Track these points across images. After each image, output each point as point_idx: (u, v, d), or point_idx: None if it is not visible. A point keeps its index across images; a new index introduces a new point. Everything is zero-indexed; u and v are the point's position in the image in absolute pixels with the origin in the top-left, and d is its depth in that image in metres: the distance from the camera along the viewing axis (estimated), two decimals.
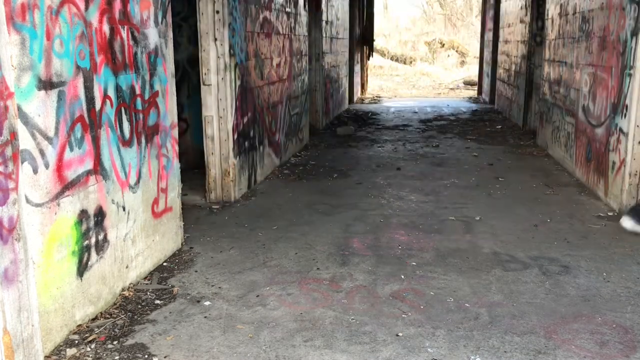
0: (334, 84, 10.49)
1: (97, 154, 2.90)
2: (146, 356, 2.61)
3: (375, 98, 14.48)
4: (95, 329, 2.83)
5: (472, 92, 15.67)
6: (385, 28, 24.41)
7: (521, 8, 9.49)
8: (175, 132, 3.80)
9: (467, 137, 8.50)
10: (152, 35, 3.45)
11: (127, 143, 3.20)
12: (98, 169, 2.91)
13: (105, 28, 2.95)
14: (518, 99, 9.54)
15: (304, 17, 7.55)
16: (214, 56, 4.70)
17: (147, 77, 3.40)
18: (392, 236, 4.19)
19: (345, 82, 11.78)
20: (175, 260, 3.73)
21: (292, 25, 6.93)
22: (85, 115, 2.79)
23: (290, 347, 2.69)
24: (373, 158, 7.02)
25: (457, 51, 21.78)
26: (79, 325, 2.82)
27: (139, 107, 3.32)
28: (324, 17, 9.02)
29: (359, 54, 13.79)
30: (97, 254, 2.94)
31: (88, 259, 2.86)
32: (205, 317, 2.98)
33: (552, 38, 7.27)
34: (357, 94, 13.88)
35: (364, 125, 9.78)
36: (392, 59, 21.30)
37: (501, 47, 11.63)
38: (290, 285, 3.36)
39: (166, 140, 3.68)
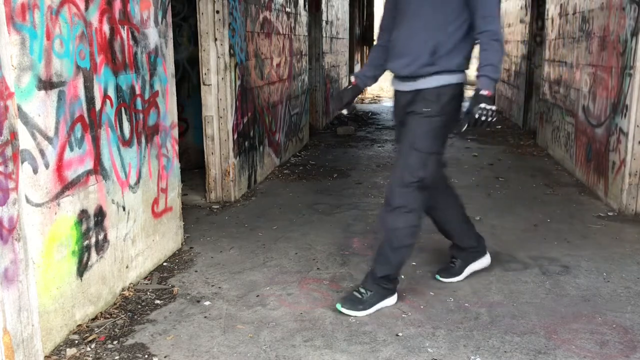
0: (334, 84, 10.49)
1: (97, 154, 2.90)
2: (146, 356, 2.61)
3: (375, 98, 14.48)
4: (95, 329, 2.83)
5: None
6: None
7: (521, 8, 9.49)
8: (175, 132, 3.81)
9: (467, 137, 8.50)
10: (152, 35, 3.45)
11: (127, 143, 3.20)
12: (98, 168, 2.91)
13: (105, 28, 2.95)
14: (518, 99, 9.54)
15: (304, 17, 7.55)
16: (214, 56, 4.70)
17: (147, 77, 3.40)
18: None
19: (345, 82, 11.77)
20: (175, 260, 3.73)
21: (292, 25, 6.93)
22: (85, 115, 2.79)
23: (290, 347, 2.69)
24: (373, 158, 7.02)
25: None
26: (79, 325, 2.82)
27: (139, 107, 3.32)
28: (324, 17, 9.02)
29: (359, 54, 13.79)
30: (97, 254, 2.94)
31: (88, 259, 2.86)
32: (205, 317, 2.98)
33: (552, 38, 7.27)
34: None
35: (364, 125, 9.77)
36: None
37: None
38: (290, 285, 3.36)
39: (166, 140, 3.68)
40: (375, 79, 3.26)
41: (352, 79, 3.28)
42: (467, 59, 2.97)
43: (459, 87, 2.96)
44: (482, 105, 2.76)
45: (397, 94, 3.08)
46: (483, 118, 2.76)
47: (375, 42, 3.29)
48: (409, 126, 2.95)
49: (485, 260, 3.48)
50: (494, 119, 2.79)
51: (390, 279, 3.07)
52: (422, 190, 2.93)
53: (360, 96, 14.23)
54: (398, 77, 3.02)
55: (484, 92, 2.79)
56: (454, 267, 3.41)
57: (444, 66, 2.88)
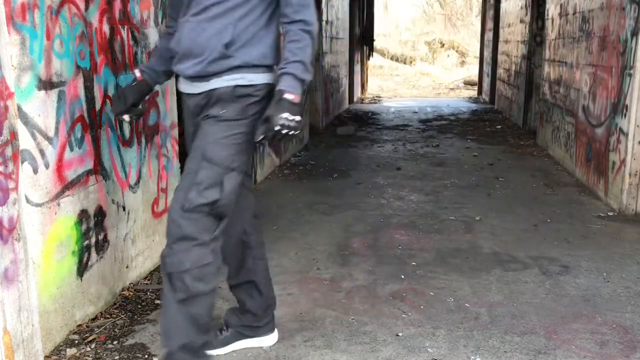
0: (334, 84, 10.48)
1: (97, 154, 2.90)
2: (146, 356, 2.61)
3: (375, 98, 14.48)
4: (95, 329, 2.83)
5: (472, 92, 15.67)
6: (385, 28, 24.42)
7: (521, 8, 9.49)
8: (175, 132, 3.81)
9: (467, 137, 8.50)
10: (152, 35, 3.45)
11: (127, 143, 3.20)
12: (98, 168, 2.91)
13: (106, 28, 2.95)
14: (518, 99, 9.55)
15: None
16: None
17: None
18: (392, 236, 4.19)
19: (345, 82, 11.77)
20: None
21: None
22: (85, 115, 2.79)
23: (290, 347, 2.69)
24: (373, 158, 7.02)
25: (457, 51, 21.78)
26: (79, 325, 2.82)
27: None
28: (324, 17, 9.02)
29: (359, 54, 13.78)
30: (97, 254, 2.94)
31: (88, 259, 2.86)
32: None
33: (552, 38, 7.27)
34: (357, 94, 13.89)
35: (364, 125, 9.78)
36: (392, 59, 21.30)
37: (501, 47, 11.63)
38: (290, 285, 3.36)
39: (166, 140, 3.68)
40: (167, 75, 2.57)
41: (137, 73, 2.55)
42: (274, 51, 2.32)
43: (266, 89, 2.29)
44: (285, 115, 2.10)
45: (186, 97, 2.39)
46: (284, 131, 2.11)
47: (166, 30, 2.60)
48: (201, 132, 2.26)
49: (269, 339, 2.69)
50: (297, 132, 2.15)
51: (195, 347, 2.24)
52: (217, 218, 2.22)
53: (360, 96, 14.28)
54: (186, 77, 2.34)
55: (288, 97, 2.14)
56: (219, 336, 2.60)
57: (243, 59, 2.23)
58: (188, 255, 2.15)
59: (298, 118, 2.13)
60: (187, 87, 2.35)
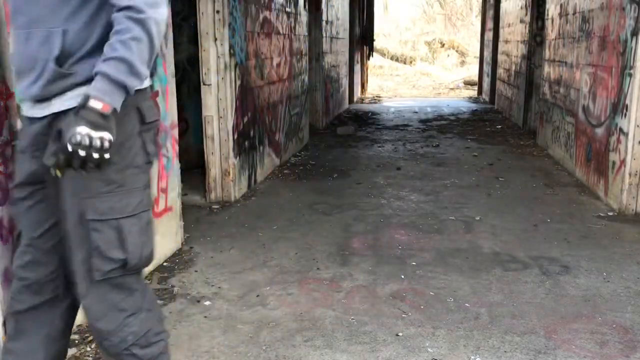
0: (334, 84, 10.49)
1: None
2: None
3: (376, 98, 14.48)
4: None
5: (472, 92, 15.67)
6: (385, 28, 24.41)
7: (521, 8, 9.49)
8: (175, 132, 3.80)
9: (467, 137, 8.50)
10: None
11: None
12: None
13: None
14: (518, 99, 9.55)
15: (304, 17, 7.55)
16: (214, 56, 4.70)
17: None
18: (392, 236, 4.19)
19: (345, 82, 11.77)
20: (175, 260, 3.73)
21: (292, 25, 6.93)
22: None
23: (290, 347, 2.69)
24: (373, 158, 7.02)
25: (457, 51, 21.78)
26: (79, 325, 2.82)
27: None
28: (324, 17, 9.02)
29: (359, 54, 13.79)
30: None
31: None
32: (205, 317, 2.98)
33: (552, 38, 7.27)
34: (357, 93, 13.89)
35: (364, 125, 9.78)
36: (392, 58, 21.30)
37: (501, 47, 11.63)
38: (290, 285, 3.36)
39: (166, 140, 3.68)
40: None
41: None
42: None
43: (133, 100, 1.75)
44: (85, 130, 1.55)
45: (27, 123, 1.87)
46: (82, 153, 1.55)
47: None
48: (65, 186, 1.76)
49: None
50: (105, 154, 1.58)
51: None
52: (137, 273, 1.93)
53: (360, 96, 14.28)
54: (26, 99, 1.83)
55: (94, 105, 1.58)
56: None
57: (86, 75, 1.70)
58: (126, 329, 1.85)
59: (105, 135, 1.56)
60: (28, 110, 1.83)
